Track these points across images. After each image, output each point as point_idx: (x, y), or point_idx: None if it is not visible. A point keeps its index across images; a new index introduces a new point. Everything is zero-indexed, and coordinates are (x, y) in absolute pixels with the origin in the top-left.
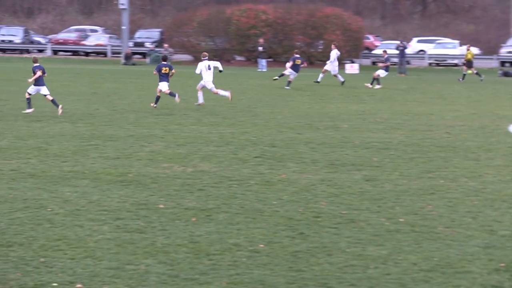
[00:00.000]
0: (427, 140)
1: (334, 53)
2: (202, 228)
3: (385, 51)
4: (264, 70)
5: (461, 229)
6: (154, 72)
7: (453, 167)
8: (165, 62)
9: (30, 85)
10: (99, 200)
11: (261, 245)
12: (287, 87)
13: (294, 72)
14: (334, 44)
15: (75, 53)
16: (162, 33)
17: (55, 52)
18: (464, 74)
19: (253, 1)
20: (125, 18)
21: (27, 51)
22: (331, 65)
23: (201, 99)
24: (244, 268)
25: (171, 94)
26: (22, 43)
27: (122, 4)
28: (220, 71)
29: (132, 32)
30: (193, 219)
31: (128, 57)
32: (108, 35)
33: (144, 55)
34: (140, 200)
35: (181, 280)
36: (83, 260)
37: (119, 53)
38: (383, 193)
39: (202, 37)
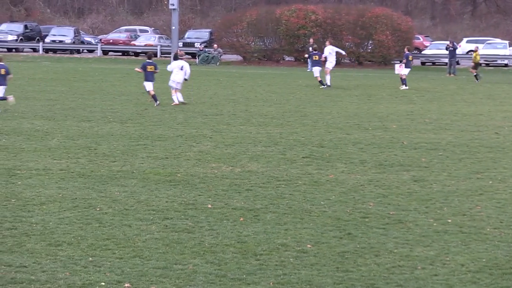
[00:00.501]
0: (476, 141)
1: (328, 49)
2: (250, 228)
3: (407, 48)
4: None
5: (510, 230)
6: (138, 70)
7: (502, 168)
8: (150, 60)
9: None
10: (148, 199)
11: (309, 245)
12: (323, 86)
13: (316, 69)
14: (328, 41)
15: (125, 53)
16: (211, 33)
17: (105, 52)
18: (476, 75)
19: (302, 1)
20: (175, 18)
21: (78, 52)
22: (330, 62)
23: (176, 100)
24: (291, 268)
25: (154, 98)
26: (73, 43)
27: (172, 4)
28: (186, 79)
29: (181, 33)
30: (241, 219)
31: (177, 57)
32: (157, 36)
33: (193, 55)
34: (188, 200)
35: (228, 280)
36: (131, 260)
37: (168, 53)
38: (431, 193)
39: (252, 37)
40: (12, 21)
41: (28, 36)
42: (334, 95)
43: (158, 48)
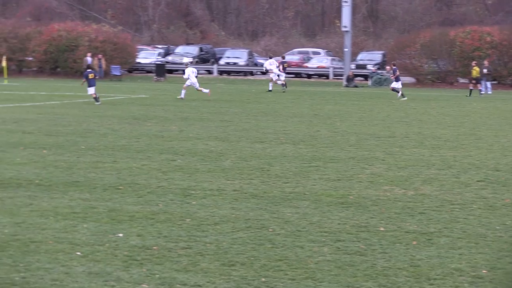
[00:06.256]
0: None
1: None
2: (423, 252)
3: (393, 63)
4: (489, 92)
5: None
6: (84, 81)
7: None
8: (90, 70)
9: None
10: (320, 221)
11: (484, 271)
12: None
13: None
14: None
15: (297, 75)
16: (384, 55)
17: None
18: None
19: (477, 22)
20: (347, 40)
21: (251, 73)
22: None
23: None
24: None
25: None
26: (246, 65)
27: (345, 26)
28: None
29: (354, 54)
30: (414, 242)
31: (350, 79)
32: (330, 57)
33: (366, 77)
34: (360, 223)
35: None
36: (304, 281)
37: (341, 75)
38: None
39: (425, 59)
40: (188, 43)
41: (203, 58)
42: (510, 118)
43: (331, 70)
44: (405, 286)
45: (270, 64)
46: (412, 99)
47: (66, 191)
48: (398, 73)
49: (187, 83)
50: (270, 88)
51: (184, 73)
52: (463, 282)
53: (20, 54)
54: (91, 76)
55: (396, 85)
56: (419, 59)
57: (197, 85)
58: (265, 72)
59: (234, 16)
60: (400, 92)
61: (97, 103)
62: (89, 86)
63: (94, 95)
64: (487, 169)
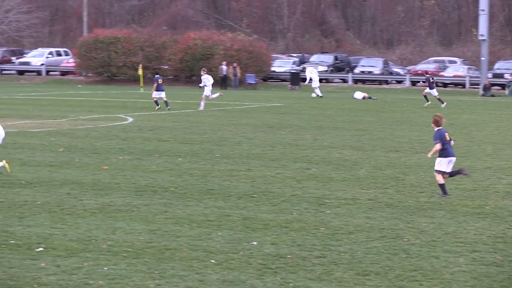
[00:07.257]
0: None
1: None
2: None
3: (426, 71)
4: None
5: None
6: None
7: None
8: (158, 75)
9: None
10: (455, 231)
11: None
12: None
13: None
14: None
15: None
16: None
17: (413, 83)
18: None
19: None
20: (484, 49)
21: (386, 82)
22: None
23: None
24: None
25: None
26: (381, 74)
27: (482, 35)
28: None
29: (491, 63)
30: None
31: (486, 88)
32: (466, 66)
33: (503, 86)
34: (497, 233)
35: None
36: None
37: (477, 84)
38: None
39: None
40: (322, 52)
41: (338, 67)
42: None
43: (467, 79)
44: None
45: (310, 73)
46: None
47: (201, 199)
48: (432, 80)
49: (206, 93)
50: (320, 94)
51: (206, 81)
52: None
53: (156, 62)
54: (160, 81)
55: (434, 93)
56: None
57: (210, 93)
58: (310, 81)
59: (369, 24)
60: (428, 101)
61: (157, 107)
62: (157, 90)
63: (155, 99)
64: None
